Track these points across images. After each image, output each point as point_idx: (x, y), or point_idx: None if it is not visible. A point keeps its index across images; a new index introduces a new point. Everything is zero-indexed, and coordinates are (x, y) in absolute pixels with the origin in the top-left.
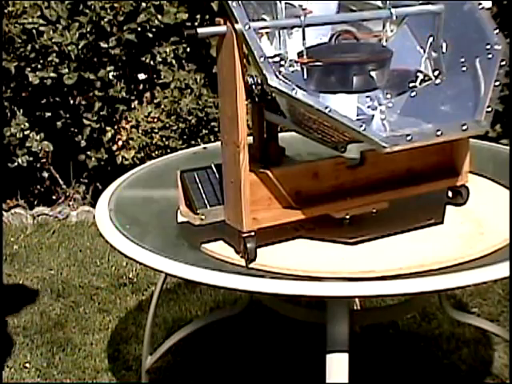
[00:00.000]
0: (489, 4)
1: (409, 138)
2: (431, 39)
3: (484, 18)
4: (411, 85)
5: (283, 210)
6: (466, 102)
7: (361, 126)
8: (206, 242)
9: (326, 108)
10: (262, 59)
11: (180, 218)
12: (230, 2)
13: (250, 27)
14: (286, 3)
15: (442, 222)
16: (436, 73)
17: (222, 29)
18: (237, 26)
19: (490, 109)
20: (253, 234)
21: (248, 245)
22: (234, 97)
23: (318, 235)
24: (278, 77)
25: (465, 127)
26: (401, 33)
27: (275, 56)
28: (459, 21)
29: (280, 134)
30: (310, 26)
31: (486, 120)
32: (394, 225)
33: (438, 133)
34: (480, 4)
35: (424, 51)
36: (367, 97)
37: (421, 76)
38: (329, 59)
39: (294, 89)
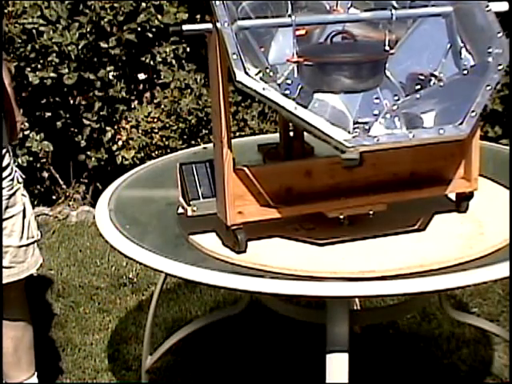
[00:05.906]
0: (505, 6)
1: (376, 139)
2: (448, 44)
3: (489, 20)
4: (417, 87)
5: (271, 205)
6: (454, 105)
7: (326, 125)
8: (202, 232)
9: (296, 109)
10: (234, 56)
11: (180, 209)
12: (213, 2)
13: (228, 25)
14: (317, 2)
15: (423, 230)
16: (441, 75)
17: (207, 26)
18: (218, 25)
19: (474, 113)
20: (241, 226)
21: (239, 236)
22: (217, 93)
23: (318, 235)
24: (248, 74)
25: (441, 131)
26: (418, 34)
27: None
28: (463, 22)
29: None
30: (300, 25)
31: (467, 124)
32: (377, 228)
33: (410, 135)
34: (487, 6)
35: (441, 53)
36: (376, 98)
37: (433, 80)
38: (318, 59)
39: (264, 88)
